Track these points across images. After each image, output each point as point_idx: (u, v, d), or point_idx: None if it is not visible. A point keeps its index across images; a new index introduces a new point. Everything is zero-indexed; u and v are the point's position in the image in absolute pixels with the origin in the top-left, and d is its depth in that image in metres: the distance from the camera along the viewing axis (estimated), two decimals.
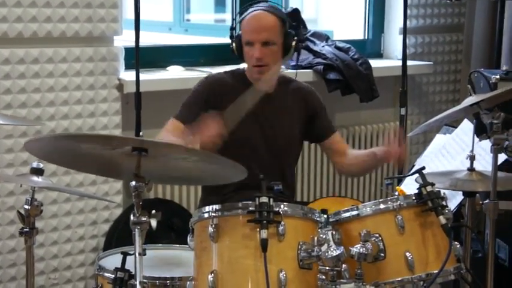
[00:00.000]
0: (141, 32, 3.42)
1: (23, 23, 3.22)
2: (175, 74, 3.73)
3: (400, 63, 4.25)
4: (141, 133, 2.26)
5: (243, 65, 3.05)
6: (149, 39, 3.39)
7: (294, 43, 2.91)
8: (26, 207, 2.38)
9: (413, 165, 3.43)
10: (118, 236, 3.49)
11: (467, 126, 3.14)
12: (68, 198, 3.40)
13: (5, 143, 3.25)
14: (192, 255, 2.47)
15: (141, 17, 3.42)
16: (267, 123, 2.95)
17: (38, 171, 2.40)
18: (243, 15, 2.91)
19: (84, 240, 3.49)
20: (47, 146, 2.24)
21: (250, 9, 2.91)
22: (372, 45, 4.57)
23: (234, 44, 2.92)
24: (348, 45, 4.17)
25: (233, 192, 2.84)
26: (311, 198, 4.07)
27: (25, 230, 2.40)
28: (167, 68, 3.79)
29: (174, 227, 3.52)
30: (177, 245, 2.82)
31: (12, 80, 3.23)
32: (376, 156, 2.92)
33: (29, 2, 3.22)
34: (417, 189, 2.37)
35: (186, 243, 2.79)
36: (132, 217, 2.13)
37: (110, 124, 3.48)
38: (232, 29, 2.96)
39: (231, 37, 2.94)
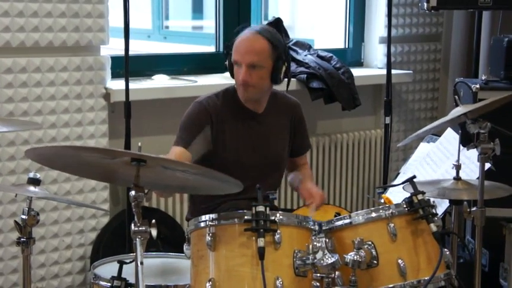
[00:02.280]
0: (121, 40, 3.44)
1: (11, 33, 3.23)
2: (161, 83, 3.76)
3: (380, 72, 4.37)
4: (139, 143, 2.29)
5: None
6: (130, 46, 3.42)
7: (284, 69, 2.91)
8: (23, 217, 2.40)
9: (398, 173, 3.51)
10: (105, 244, 3.52)
11: (450, 135, 3.23)
12: (56, 207, 3.42)
13: None
14: (185, 264, 2.52)
15: (120, 25, 3.44)
16: (259, 143, 3.01)
17: (35, 181, 2.43)
18: (235, 36, 2.92)
19: (72, 249, 3.51)
20: (48, 153, 2.28)
21: (245, 30, 2.92)
22: (352, 54, 4.64)
23: (227, 61, 2.94)
24: (330, 55, 4.23)
25: (224, 201, 2.89)
26: (294, 205, 4.13)
27: (22, 239, 2.42)
28: (153, 77, 3.81)
29: (160, 235, 3.55)
30: (171, 253, 2.84)
31: (2, 90, 3.25)
32: (298, 183, 3.09)
33: (17, 12, 3.24)
34: (408, 197, 2.44)
35: (171, 251, 2.86)
36: (133, 226, 2.15)
37: (96, 133, 3.51)
38: (228, 46, 2.96)
39: (226, 53, 2.95)
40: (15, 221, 2.43)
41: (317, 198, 2.95)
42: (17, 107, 3.29)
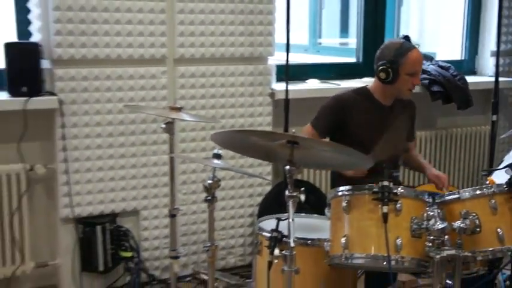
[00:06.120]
0: (283, 53, 3.50)
1: (204, 48, 3.36)
2: (314, 85, 3.79)
3: (490, 79, 4.13)
4: (293, 130, 2.32)
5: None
6: (290, 58, 3.47)
7: None
8: (209, 182, 2.51)
9: (502, 161, 3.32)
10: (268, 206, 3.57)
11: None
12: (232, 176, 3.52)
13: (190, 134, 3.41)
14: (326, 223, 2.52)
15: (284, 41, 3.49)
16: (387, 130, 2.96)
17: (218, 156, 2.52)
18: (401, 51, 2.85)
19: (243, 208, 3.61)
20: (225, 137, 2.37)
21: (406, 46, 2.87)
22: (467, 65, 4.44)
23: (390, 70, 2.85)
24: (449, 65, 4.09)
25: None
26: (416, 183, 4.03)
27: (208, 198, 2.53)
28: (306, 81, 3.85)
29: (309, 201, 3.56)
30: (315, 215, 2.85)
31: (196, 89, 3.40)
32: (425, 172, 3.06)
33: (210, 32, 3.36)
34: (508, 179, 2.32)
35: (318, 214, 2.86)
36: (287, 192, 2.19)
37: (263, 122, 3.58)
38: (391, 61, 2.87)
39: (387, 66, 2.86)
40: (204, 185, 2.53)
41: (444, 182, 2.96)
42: (208, 102, 3.43)
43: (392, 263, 2.18)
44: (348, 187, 2.34)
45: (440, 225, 2.22)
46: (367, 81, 3.40)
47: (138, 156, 3.31)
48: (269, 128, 3.59)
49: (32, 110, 3.05)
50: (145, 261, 3.38)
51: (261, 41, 3.51)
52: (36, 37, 3.15)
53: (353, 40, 4.81)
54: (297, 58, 5.40)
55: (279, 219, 2.48)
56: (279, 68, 3.63)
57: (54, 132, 3.15)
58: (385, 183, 2.25)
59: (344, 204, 2.31)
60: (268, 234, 2.46)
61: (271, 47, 3.55)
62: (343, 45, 6.66)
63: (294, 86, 3.66)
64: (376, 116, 2.96)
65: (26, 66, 3.04)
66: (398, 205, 2.24)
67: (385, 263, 2.18)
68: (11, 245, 3.13)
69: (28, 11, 3.17)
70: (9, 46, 3.01)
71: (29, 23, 3.18)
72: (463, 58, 4.47)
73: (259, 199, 3.62)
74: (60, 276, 3.28)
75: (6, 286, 3.16)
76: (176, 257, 2.79)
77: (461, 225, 2.24)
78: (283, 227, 2.44)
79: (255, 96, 3.55)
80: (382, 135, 2.94)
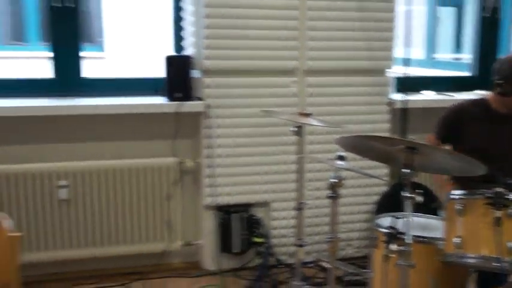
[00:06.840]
0: (400, 66, 3.42)
1: (330, 61, 3.36)
2: (430, 96, 3.67)
3: None
4: (412, 137, 2.27)
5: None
6: (407, 71, 3.39)
7: None
8: (333, 180, 2.51)
9: None
10: (384, 204, 3.51)
11: None
12: (353, 176, 3.46)
13: (317, 137, 3.43)
14: (437, 223, 2.44)
15: (400, 56, 3.42)
16: (502, 137, 2.80)
17: (341, 158, 2.52)
18: None
19: (361, 205, 3.56)
20: (348, 141, 2.35)
21: None
22: None
23: (506, 86, 2.67)
24: None
25: (472, 182, 2.73)
26: None
27: (332, 195, 2.53)
28: (422, 92, 3.73)
29: (427, 203, 3.43)
30: (430, 215, 2.76)
31: (322, 98, 3.39)
32: None
33: (336, 47, 3.35)
34: None
35: (429, 214, 2.75)
36: (403, 193, 2.14)
37: (381, 129, 3.51)
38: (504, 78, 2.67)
39: (503, 82, 2.68)
40: (330, 183, 2.53)
41: None
42: (332, 109, 3.41)
43: (504, 264, 2.07)
44: (462, 191, 2.26)
45: None
46: (480, 94, 3.23)
47: (271, 155, 3.38)
48: (386, 135, 3.51)
49: (184, 113, 3.22)
50: (273, 247, 3.44)
51: (381, 56, 3.45)
52: (188, 51, 3.33)
53: (466, 56, 4.59)
54: (414, 71, 5.23)
55: (395, 217, 2.44)
56: (397, 79, 3.54)
57: (200, 132, 3.31)
58: (499, 189, 2.14)
59: (458, 207, 2.23)
60: (385, 230, 2.43)
61: (390, 61, 3.48)
62: (457, 59, 6.35)
63: (411, 97, 3.55)
64: (492, 126, 2.80)
65: (181, 75, 3.22)
66: (510, 211, 2.13)
67: (496, 264, 2.07)
68: (165, 225, 3.33)
69: (181, 28, 3.36)
70: (169, 59, 3.21)
71: (182, 38, 3.37)
72: None
73: (376, 198, 3.56)
74: (203, 255, 3.44)
75: (159, 259, 3.37)
76: (301, 245, 2.82)
77: None
78: (398, 225, 2.39)
79: (374, 105, 3.49)
80: (498, 143, 2.78)
